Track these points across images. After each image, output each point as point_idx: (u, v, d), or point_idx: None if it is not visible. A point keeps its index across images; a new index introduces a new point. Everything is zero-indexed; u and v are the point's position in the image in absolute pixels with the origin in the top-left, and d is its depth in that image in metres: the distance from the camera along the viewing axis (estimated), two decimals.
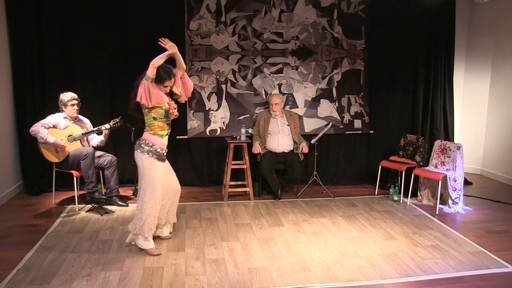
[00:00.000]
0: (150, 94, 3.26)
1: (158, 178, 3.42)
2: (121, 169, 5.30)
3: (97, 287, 2.92)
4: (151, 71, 3.22)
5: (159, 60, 3.24)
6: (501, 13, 5.78)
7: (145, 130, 3.46)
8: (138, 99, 3.29)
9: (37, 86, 5.01)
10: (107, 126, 4.46)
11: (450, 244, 3.72)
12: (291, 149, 5.09)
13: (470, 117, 6.26)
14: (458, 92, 6.14)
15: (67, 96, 4.42)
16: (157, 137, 3.43)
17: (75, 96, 4.46)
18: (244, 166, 5.01)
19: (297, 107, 5.56)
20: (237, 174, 5.29)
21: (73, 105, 4.43)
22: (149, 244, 3.44)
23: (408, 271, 3.21)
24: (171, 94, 3.54)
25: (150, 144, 3.39)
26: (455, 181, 4.63)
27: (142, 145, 3.38)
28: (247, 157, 4.96)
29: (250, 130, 5.38)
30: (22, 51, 4.93)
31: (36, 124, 4.30)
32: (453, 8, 5.79)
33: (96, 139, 4.64)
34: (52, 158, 4.38)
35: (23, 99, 5.01)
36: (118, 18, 5.10)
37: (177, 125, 5.00)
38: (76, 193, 4.47)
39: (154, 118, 3.39)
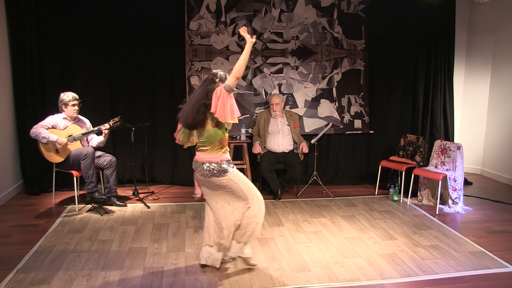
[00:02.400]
0: (232, 107, 2.84)
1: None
2: (121, 169, 5.31)
3: (97, 287, 2.92)
4: (234, 83, 2.80)
5: (243, 67, 2.76)
6: (501, 13, 5.78)
7: (219, 149, 2.99)
8: (221, 118, 2.83)
9: (37, 87, 5.01)
10: (107, 125, 4.46)
11: (450, 244, 3.72)
12: (291, 149, 5.09)
13: (470, 117, 6.26)
14: (458, 92, 6.14)
15: (68, 96, 4.41)
16: (228, 151, 3.08)
17: (76, 96, 4.45)
18: (244, 166, 5.01)
19: (297, 107, 5.56)
20: None
21: (74, 105, 4.42)
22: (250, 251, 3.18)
23: (408, 271, 3.21)
24: None
25: (231, 162, 3.06)
26: (455, 181, 4.63)
27: (229, 167, 2.99)
28: (247, 157, 4.96)
29: (250, 130, 5.38)
30: (22, 51, 4.93)
31: (35, 126, 4.28)
32: (453, 8, 5.79)
33: (96, 140, 4.63)
34: (53, 158, 4.37)
35: (23, 99, 5.01)
36: (118, 18, 5.10)
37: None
38: (76, 193, 4.47)
39: (226, 130, 3.00)
